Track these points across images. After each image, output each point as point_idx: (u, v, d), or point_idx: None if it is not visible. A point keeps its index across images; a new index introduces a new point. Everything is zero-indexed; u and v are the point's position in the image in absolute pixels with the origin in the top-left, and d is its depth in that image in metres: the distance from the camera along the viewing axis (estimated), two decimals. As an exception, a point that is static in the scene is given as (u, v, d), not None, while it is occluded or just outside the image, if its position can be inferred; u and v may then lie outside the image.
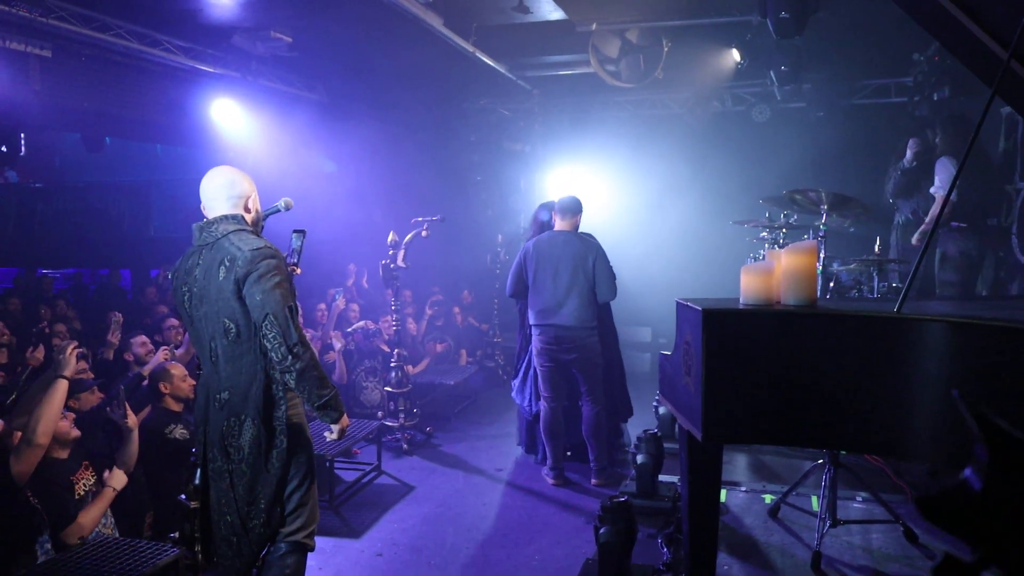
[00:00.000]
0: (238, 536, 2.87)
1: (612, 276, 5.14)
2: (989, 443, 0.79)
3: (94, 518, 3.65)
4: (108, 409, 4.03)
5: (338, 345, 6.40)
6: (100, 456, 3.99)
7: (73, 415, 3.81)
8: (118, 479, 3.78)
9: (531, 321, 5.28)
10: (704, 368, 2.57)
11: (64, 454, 3.69)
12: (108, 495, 3.73)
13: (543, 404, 5.34)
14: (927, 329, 2.29)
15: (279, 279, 2.79)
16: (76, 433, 3.74)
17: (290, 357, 2.74)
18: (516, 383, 5.74)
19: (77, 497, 3.68)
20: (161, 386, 4.37)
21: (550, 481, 5.32)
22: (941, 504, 0.81)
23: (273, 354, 2.75)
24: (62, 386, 3.56)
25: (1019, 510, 0.77)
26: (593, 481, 5.26)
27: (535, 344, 5.28)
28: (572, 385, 5.34)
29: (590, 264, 5.07)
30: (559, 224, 5.29)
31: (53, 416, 3.51)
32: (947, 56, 7.27)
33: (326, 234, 7.86)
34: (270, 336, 2.73)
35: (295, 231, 3.40)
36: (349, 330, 6.80)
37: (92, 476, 3.81)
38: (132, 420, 3.99)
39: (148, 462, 4.16)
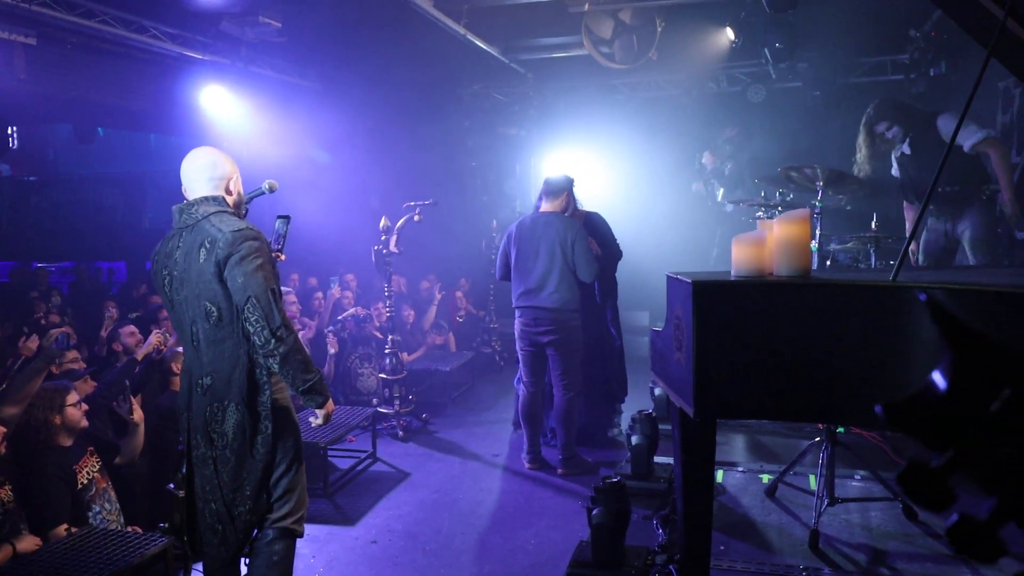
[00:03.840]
0: (223, 524, 2.82)
1: (593, 258, 5.04)
2: (954, 343, 0.76)
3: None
4: (115, 404, 4.02)
5: (332, 351, 6.35)
6: (104, 443, 3.99)
7: (86, 406, 3.79)
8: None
9: (513, 303, 5.22)
10: (695, 342, 2.51)
11: (69, 442, 3.69)
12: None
13: (522, 388, 5.30)
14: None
15: (261, 261, 2.73)
16: (85, 424, 3.74)
17: (273, 341, 2.68)
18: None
19: (80, 486, 3.66)
20: (174, 367, 4.34)
21: (526, 465, 5.27)
22: (907, 408, 0.78)
23: (256, 338, 2.70)
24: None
25: (983, 413, 0.75)
26: (559, 471, 5.15)
27: (516, 327, 5.24)
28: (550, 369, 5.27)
29: (569, 245, 4.99)
30: (544, 205, 5.20)
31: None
32: (944, 31, 7.18)
33: (322, 222, 7.80)
34: (252, 319, 2.68)
35: (279, 216, 3.33)
36: (339, 317, 6.75)
37: (97, 463, 3.80)
38: (138, 415, 4.00)
39: (162, 444, 4.13)
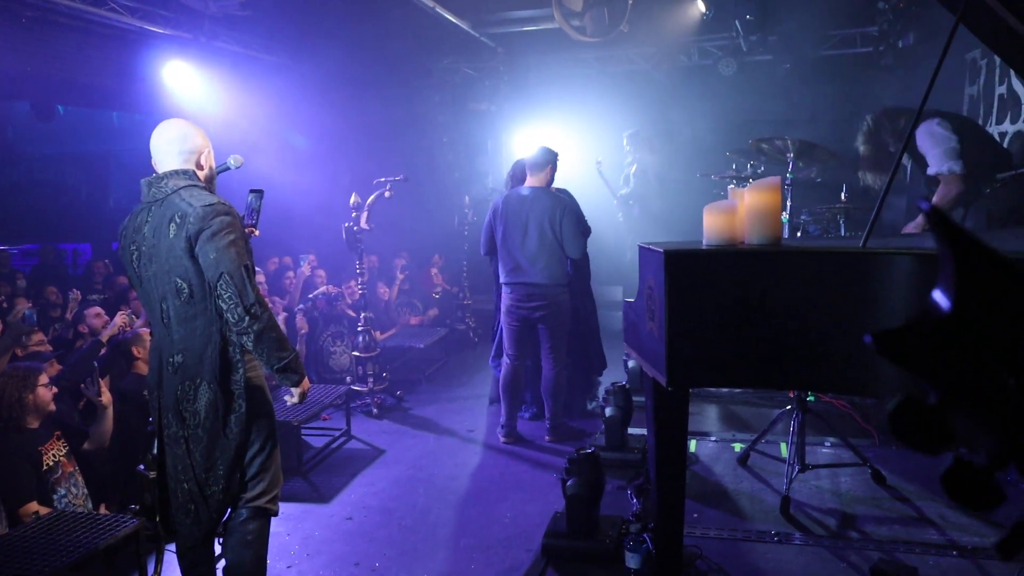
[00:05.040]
0: (196, 503, 2.78)
1: (580, 233, 5.07)
2: (961, 258, 0.65)
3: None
4: (83, 386, 3.95)
5: (303, 330, 6.26)
6: (71, 428, 3.91)
7: (56, 388, 3.72)
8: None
9: (501, 279, 5.21)
10: (667, 312, 2.51)
11: (36, 424, 3.64)
12: None
13: (505, 361, 5.31)
14: (893, 263, 2.24)
15: (234, 237, 2.66)
16: (52, 407, 3.70)
17: (247, 318, 2.63)
18: (495, 347, 5.74)
19: (45, 468, 3.61)
20: (134, 350, 4.29)
21: (501, 439, 5.31)
22: (901, 335, 0.67)
23: (229, 315, 2.64)
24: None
25: (989, 337, 0.65)
26: (547, 438, 5.28)
27: (504, 302, 5.22)
28: (537, 344, 5.30)
29: (558, 220, 5.00)
30: (530, 180, 5.19)
31: None
32: (912, 3, 7.22)
33: (290, 199, 7.69)
34: (225, 296, 2.62)
35: (252, 191, 3.27)
36: (310, 296, 6.68)
37: (64, 447, 3.74)
38: (107, 397, 3.92)
39: (125, 428, 4.07)
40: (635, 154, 8.39)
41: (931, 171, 4.30)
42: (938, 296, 0.67)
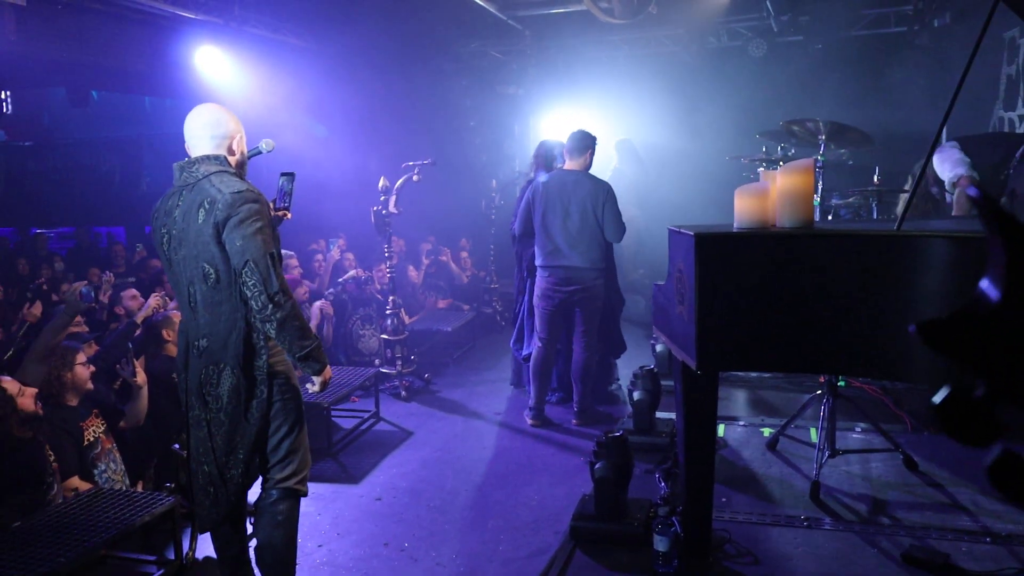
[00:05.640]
0: (215, 486, 2.81)
1: (620, 219, 5.07)
2: (1011, 245, 0.62)
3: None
4: (118, 366, 4.03)
5: (314, 322, 6.19)
6: (108, 406, 4.00)
7: (93, 368, 3.81)
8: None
9: (538, 262, 5.19)
10: (697, 295, 2.50)
11: (75, 401, 3.73)
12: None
13: (537, 344, 5.31)
14: (927, 245, 2.21)
15: (261, 224, 2.68)
16: (90, 386, 3.78)
17: (271, 306, 2.64)
18: (516, 331, 5.77)
19: (86, 443, 3.71)
20: (164, 333, 4.36)
21: (529, 421, 5.32)
22: (948, 325, 0.65)
23: (253, 302, 2.66)
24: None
25: None
26: (574, 422, 5.29)
27: (540, 284, 5.21)
28: (570, 327, 5.30)
29: (600, 205, 4.99)
30: (569, 163, 5.18)
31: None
32: (949, -19, 7.07)
33: (319, 183, 7.75)
34: (250, 283, 2.64)
35: (284, 173, 3.28)
36: (340, 280, 6.72)
37: (102, 424, 3.82)
38: (141, 377, 3.99)
39: (156, 409, 4.15)
40: (620, 162, 8.36)
41: (948, 180, 4.53)
42: (986, 286, 0.65)
